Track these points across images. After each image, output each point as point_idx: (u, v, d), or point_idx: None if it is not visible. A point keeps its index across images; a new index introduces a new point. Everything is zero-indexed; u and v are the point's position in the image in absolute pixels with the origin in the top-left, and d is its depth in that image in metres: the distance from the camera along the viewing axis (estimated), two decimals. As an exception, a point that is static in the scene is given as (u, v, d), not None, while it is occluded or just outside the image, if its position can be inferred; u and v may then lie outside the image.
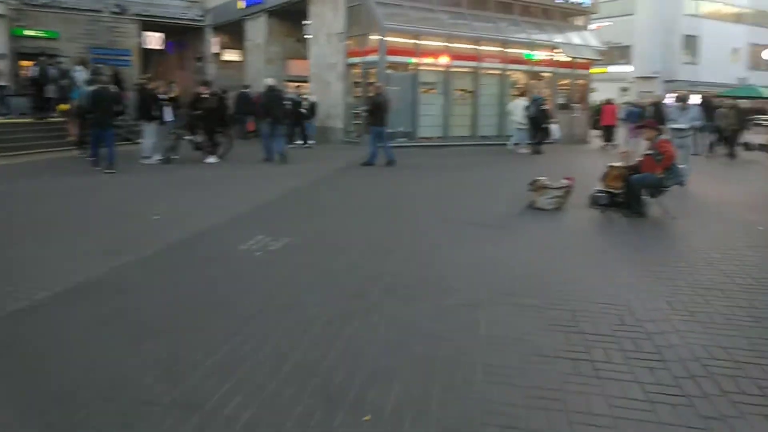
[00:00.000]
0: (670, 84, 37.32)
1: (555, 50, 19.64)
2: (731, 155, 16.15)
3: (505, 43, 18.55)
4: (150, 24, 24.09)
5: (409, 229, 6.87)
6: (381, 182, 10.77)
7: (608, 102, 20.05)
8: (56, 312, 4.05)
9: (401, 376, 3.12)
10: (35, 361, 3.32)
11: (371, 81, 16.37)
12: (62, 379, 3.08)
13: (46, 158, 13.07)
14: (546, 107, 16.11)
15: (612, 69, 36.85)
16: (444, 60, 17.44)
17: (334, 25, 18.14)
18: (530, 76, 19.55)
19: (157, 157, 12.46)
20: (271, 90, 13.51)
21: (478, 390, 3.00)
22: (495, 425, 2.70)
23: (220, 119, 13.25)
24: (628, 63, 39.87)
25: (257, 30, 22.27)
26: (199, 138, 12.93)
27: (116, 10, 22.29)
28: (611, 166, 8.36)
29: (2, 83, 17.35)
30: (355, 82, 17.88)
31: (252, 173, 11.53)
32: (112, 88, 12.56)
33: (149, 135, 12.52)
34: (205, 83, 13.61)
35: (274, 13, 21.33)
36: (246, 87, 18.70)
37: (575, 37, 20.63)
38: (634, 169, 7.97)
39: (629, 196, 7.79)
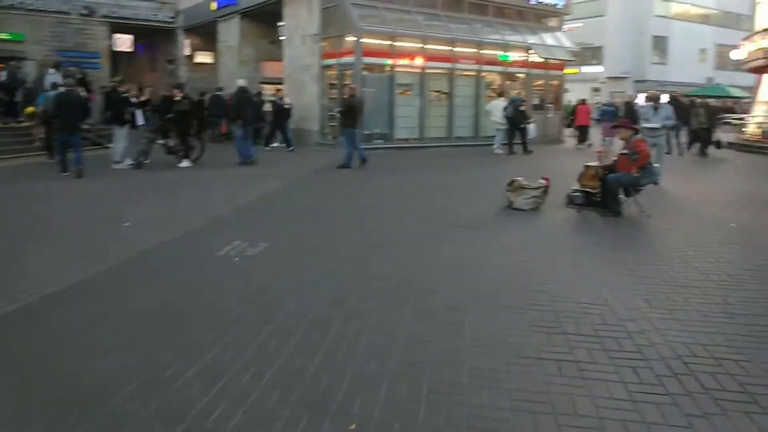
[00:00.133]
0: (641, 84, 38.06)
1: (529, 51, 19.83)
2: (703, 153, 16.50)
3: (479, 45, 18.67)
4: (120, 26, 23.67)
5: (389, 231, 6.84)
6: (358, 185, 10.73)
7: (582, 102, 20.34)
8: (27, 323, 3.92)
9: (387, 382, 3.08)
10: (9, 375, 3.19)
11: (347, 83, 16.31)
12: (38, 392, 2.98)
13: (14, 164, 12.73)
14: (524, 108, 16.30)
15: (584, 69, 37.45)
16: (419, 61, 17.48)
17: (308, 27, 18.03)
18: (505, 77, 19.71)
19: (128, 161, 12.21)
20: (242, 91, 13.46)
21: (464, 394, 2.98)
22: (483, 430, 2.68)
23: (195, 122, 13.07)
24: (599, 63, 40.54)
25: (230, 32, 22.03)
26: (172, 142, 12.71)
27: (84, 11, 21.86)
28: (587, 166, 8.46)
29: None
30: (331, 84, 17.80)
31: (226, 177, 11.38)
32: (80, 91, 12.28)
33: (120, 139, 12.26)
34: (178, 86, 13.39)
35: (247, 14, 21.12)
36: (219, 89, 18.46)
37: (549, 38, 20.88)
38: (610, 168, 8.08)
39: (605, 195, 7.89)
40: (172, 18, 24.79)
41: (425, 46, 17.53)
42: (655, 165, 8.17)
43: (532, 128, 16.52)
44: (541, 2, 20.78)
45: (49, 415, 2.76)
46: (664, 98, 16.02)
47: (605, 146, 13.90)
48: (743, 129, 21.68)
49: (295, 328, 3.80)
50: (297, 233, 6.66)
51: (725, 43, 41.16)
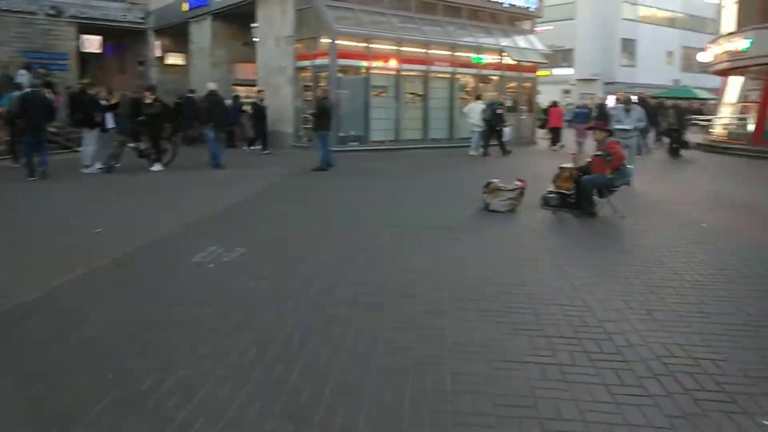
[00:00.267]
0: (610, 86, 38.76)
1: (502, 54, 19.99)
2: (675, 154, 16.82)
3: (454, 47, 18.75)
4: (88, 26, 23.14)
5: (366, 234, 6.79)
6: (335, 188, 10.66)
7: (554, 104, 20.60)
8: (-7, 337, 3.76)
9: (370, 391, 3.04)
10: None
11: (322, 85, 16.23)
12: (8, 411, 2.84)
13: (-23, 168, 12.32)
14: (501, 111, 16.47)
15: (555, 72, 37.96)
16: (394, 63, 17.48)
17: (282, 28, 17.89)
18: (479, 79, 19.84)
19: (98, 165, 11.93)
20: (213, 95, 13.38)
21: (448, 401, 2.95)
22: (467, 437, 2.66)
23: (168, 125, 12.85)
24: (569, 66, 41.15)
25: (202, 33, 21.72)
26: (143, 145, 12.45)
27: (51, 12, 21.33)
28: (562, 168, 8.55)
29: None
30: (305, 86, 17.68)
31: (200, 181, 11.20)
32: (47, 92, 11.97)
33: (90, 142, 11.96)
34: (150, 88, 13.13)
35: (219, 15, 20.85)
36: (192, 92, 18.23)
37: (521, 41, 21.09)
38: (584, 170, 8.17)
39: (580, 196, 7.98)
40: (143, 19, 24.35)
41: (400, 49, 17.54)
42: (628, 166, 8.28)
43: (507, 131, 16.70)
44: (514, 5, 20.97)
45: (18, 434, 2.65)
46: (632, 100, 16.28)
47: (579, 148, 14.10)
48: (710, 130, 22.22)
49: (273, 337, 3.73)
50: (273, 238, 6.57)
51: (691, 45, 42.26)
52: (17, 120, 11.04)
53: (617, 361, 3.43)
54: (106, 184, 10.62)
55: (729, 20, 21.99)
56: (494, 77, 20.38)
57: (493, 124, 16.16)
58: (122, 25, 23.98)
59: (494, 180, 8.42)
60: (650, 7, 43.05)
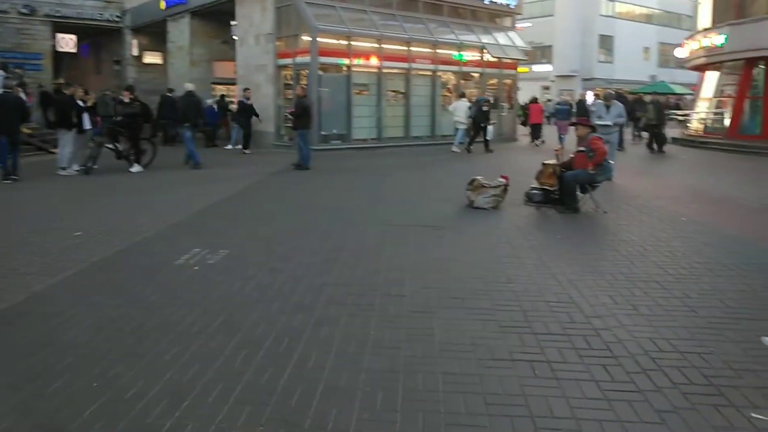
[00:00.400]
0: (588, 82, 39.19)
1: (483, 51, 20.06)
2: (651, 149, 17.03)
3: (435, 44, 18.76)
4: (63, 25, 22.73)
5: (351, 233, 6.76)
6: (318, 186, 10.60)
7: (534, 101, 20.76)
8: (-28, 345, 3.66)
9: (361, 392, 3.01)
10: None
11: (303, 83, 16.13)
12: (-17, 423, 2.76)
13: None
14: (487, 108, 16.58)
15: (534, 68, 38.26)
16: (376, 61, 17.44)
17: (262, 26, 17.73)
18: (460, 76, 19.89)
19: (75, 167, 11.71)
20: (190, 95, 13.40)
21: (440, 401, 2.93)
22: (460, 437, 2.65)
23: (150, 125, 12.71)
24: (548, 62, 41.49)
25: (180, 31, 21.44)
26: (122, 146, 12.25)
27: (24, 10, 20.91)
28: (545, 164, 8.60)
29: None
30: (286, 84, 17.56)
31: (181, 181, 11.05)
32: (20, 92, 11.71)
33: (66, 144, 11.73)
34: (128, 88, 12.93)
35: (197, 13, 20.61)
36: (170, 91, 18.01)
37: (502, 38, 21.18)
38: (567, 166, 8.22)
39: (563, 192, 8.03)
40: (119, 17, 23.98)
41: (381, 46, 17.50)
42: (609, 162, 8.35)
43: (490, 129, 16.82)
44: (495, 2, 21.05)
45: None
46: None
47: (561, 144, 14.21)
48: (687, 125, 22.56)
49: (262, 339, 3.68)
50: (257, 238, 6.49)
51: (667, 41, 42.86)
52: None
53: (606, 357, 3.45)
54: (85, 186, 10.43)
55: (705, 16, 22.33)
56: (475, 74, 20.45)
57: (478, 120, 16.29)
58: (98, 23, 23.60)
59: (478, 177, 8.44)
60: (627, 3, 43.59)
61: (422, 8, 19.06)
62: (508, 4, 21.57)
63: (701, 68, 22.50)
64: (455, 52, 19.37)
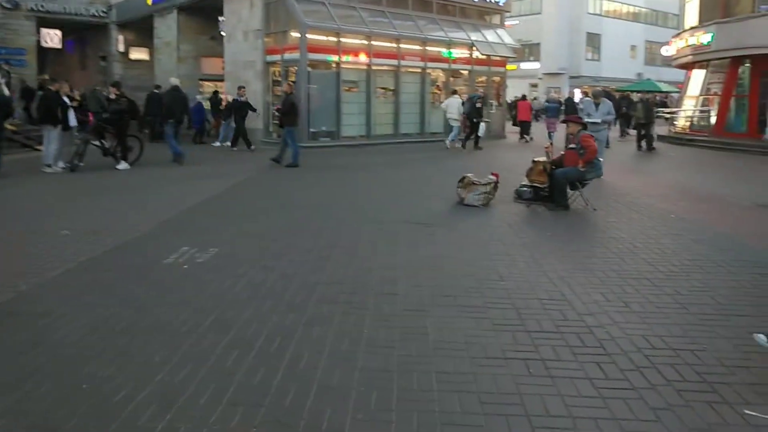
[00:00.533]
0: (575, 80, 39.40)
1: (472, 48, 20.07)
2: (639, 147, 17.13)
3: (424, 42, 18.74)
4: (47, 20, 22.42)
5: (342, 231, 6.72)
6: (308, 183, 10.54)
7: (522, 98, 20.83)
8: (-44, 347, 3.58)
9: (355, 392, 2.98)
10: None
11: (292, 80, 16.05)
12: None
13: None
14: (480, 105, 16.65)
15: (522, 66, 38.38)
16: (365, 58, 17.38)
17: (251, 22, 17.61)
18: (449, 73, 19.89)
19: (61, 164, 11.55)
20: (175, 90, 13.36)
21: (435, 400, 2.91)
22: (456, 436, 2.63)
23: (137, 122, 12.58)
24: (536, 60, 41.64)
25: (167, 27, 21.24)
26: (108, 143, 12.10)
27: (8, 5, 20.59)
28: (536, 161, 8.61)
29: None
30: (275, 81, 17.45)
31: (168, 179, 10.94)
32: (3, 88, 11.54)
33: (52, 140, 11.55)
34: (115, 84, 12.77)
35: (185, 9, 20.43)
36: (157, 87, 17.78)
37: (491, 35, 21.20)
38: (557, 163, 8.24)
39: (553, 189, 8.04)
40: (105, 12, 23.70)
41: (371, 43, 17.44)
42: (599, 159, 8.38)
43: (483, 126, 16.88)
44: (483, -1, 21.08)
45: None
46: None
47: (551, 141, 14.29)
48: (674, 122, 22.74)
49: (254, 339, 3.64)
50: (247, 237, 6.44)
51: (654, 40, 43.20)
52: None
53: (600, 355, 3.45)
54: (71, 184, 10.29)
55: (692, 15, 22.51)
56: (464, 72, 20.45)
57: (471, 116, 16.44)
58: (83, 18, 23.31)
59: (468, 174, 8.44)
60: (615, 1, 43.84)
61: (412, 5, 19.02)
62: (497, 2, 21.61)
63: (688, 66, 22.68)
64: (444, 50, 19.37)
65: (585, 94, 19.17)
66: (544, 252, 5.87)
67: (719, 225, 7.29)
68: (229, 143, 16.67)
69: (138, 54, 24.66)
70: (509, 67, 23.77)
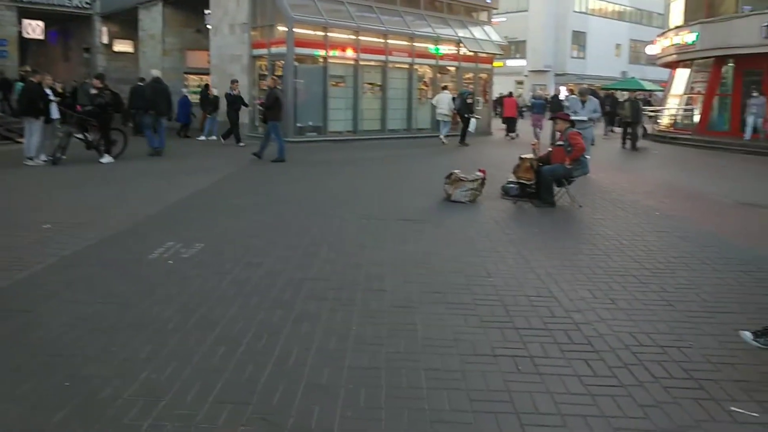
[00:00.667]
0: (561, 77, 39.61)
1: (459, 45, 20.07)
2: (624, 145, 17.25)
3: (412, 37, 18.69)
4: (30, 11, 22.00)
5: (329, 226, 6.68)
6: (294, 179, 10.47)
7: (509, 95, 20.90)
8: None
9: (343, 390, 2.95)
10: None
11: (279, 74, 15.93)
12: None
13: None
14: (471, 101, 16.68)
15: (508, 63, 38.51)
16: (352, 53, 17.30)
17: (237, 15, 17.44)
18: (436, 70, 19.87)
19: (43, 157, 11.34)
20: (157, 82, 13.30)
21: (424, 398, 2.89)
22: (446, 434, 2.61)
23: (121, 115, 12.42)
24: (522, 57, 41.79)
25: (152, 19, 20.97)
26: (92, 136, 11.91)
27: (-13, -6, 20.16)
28: (522, 158, 8.62)
29: None
30: (261, 75, 17.31)
31: (153, 172, 10.80)
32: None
33: (34, 132, 11.34)
34: (98, 76, 12.57)
35: (170, 1, 20.19)
36: (142, 80, 17.53)
37: (478, 32, 21.22)
38: (544, 160, 8.27)
39: (540, 186, 8.07)
40: (89, 4, 23.33)
41: (358, 38, 17.37)
42: (586, 156, 8.42)
43: (473, 122, 16.92)
44: (470, -5, 21.08)
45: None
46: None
47: (537, 138, 14.39)
48: (657, 121, 22.97)
49: (240, 336, 3.60)
50: (233, 232, 6.37)
51: (638, 39, 43.57)
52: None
53: (588, 352, 3.46)
54: (53, 177, 10.11)
55: (677, 14, 22.72)
56: (451, 68, 20.45)
57: (461, 112, 16.51)
58: (66, 9, 22.92)
59: (455, 170, 8.44)
60: (600, 0, 44.12)
61: (399, 1, 18.97)
62: (484, -2, 21.62)
63: (672, 65, 22.91)
64: (432, 46, 19.34)
65: (571, 91, 19.30)
66: (532, 248, 5.88)
67: (703, 223, 7.37)
68: (214, 137, 16.54)
69: (122, 46, 24.33)
70: (496, 64, 23.83)
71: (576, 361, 3.32)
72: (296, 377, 3.08)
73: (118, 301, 4.17)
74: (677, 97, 22.53)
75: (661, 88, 28.36)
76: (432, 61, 19.60)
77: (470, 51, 20.30)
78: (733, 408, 2.86)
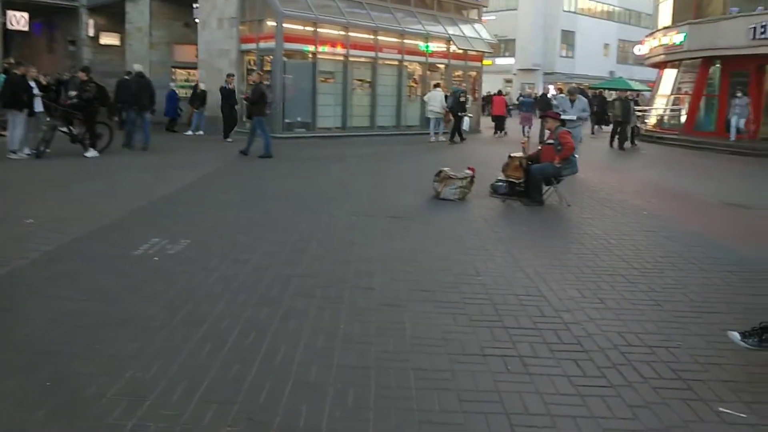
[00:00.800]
0: (549, 76, 39.77)
1: (449, 42, 20.05)
2: (612, 144, 17.33)
3: (402, 34, 18.64)
4: (14, 2, 21.60)
5: (317, 223, 6.62)
6: (282, 174, 10.39)
7: (499, 93, 20.93)
8: None
9: (331, 389, 2.92)
10: None
11: (268, 69, 15.81)
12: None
13: None
14: (463, 99, 16.67)
15: (497, 61, 38.58)
16: (342, 49, 17.21)
17: (226, 9, 17.26)
18: (426, 67, 19.84)
19: (26, 150, 11.16)
20: (140, 76, 13.23)
21: (413, 398, 2.87)
22: (435, 435, 2.59)
23: (107, 109, 12.25)
24: (511, 56, 41.88)
25: (139, 12, 20.69)
26: (77, 129, 11.73)
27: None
28: (512, 157, 8.63)
29: None
30: (249, 70, 17.17)
31: (139, 167, 10.66)
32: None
33: (17, 125, 11.14)
34: (84, 69, 12.37)
35: (158, -6, 19.92)
36: (128, 73, 17.32)
37: (468, 30, 21.21)
38: (533, 159, 8.27)
39: (529, 185, 8.08)
40: (74, -5, 22.95)
41: (348, 34, 17.27)
42: (576, 156, 8.44)
43: (466, 120, 16.92)
44: (461, -7, 21.05)
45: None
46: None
47: (525, 135, 14.42)
48: (645, 120, 23.12)
49: (227, 333, 3.55)
50: (219, 228, 6.29)
51: (627, 39, 43.84)
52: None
53: (577, 352, 3.45)
54: (37, 170, 9.95)
55: (665, 15, 22.87)
56: (441, 65, 20.43)
57: (454, 110, 16.49)
58: (52, 1, 22.54)
59: (445, 168, 8.42)
60: (589, 0, 44.35)
61: (389, -3, 18.90)
62: (474, -4, 21.61)
63: (660, 65, 23.07)
64: (422, 43, 19.30)
65: (559, 90, 19.36)
66: (520, 247, 5.88)
67: (690, 223, 7.42)
68: (201, 132, 16.43)
69: (108, 39, 23.97)
70: (485, 62, 23.85)
71: (565, 361, 3.31)
72: (283, 375, 3.04)
73: (102, 298, 4.10)
74: (665, 97, 22.70)
75: (649, 88, 28.57)
76: (422, 59, 19.56)
77: (460, 48, 20.29)
78: (721, 409, 2.87)
